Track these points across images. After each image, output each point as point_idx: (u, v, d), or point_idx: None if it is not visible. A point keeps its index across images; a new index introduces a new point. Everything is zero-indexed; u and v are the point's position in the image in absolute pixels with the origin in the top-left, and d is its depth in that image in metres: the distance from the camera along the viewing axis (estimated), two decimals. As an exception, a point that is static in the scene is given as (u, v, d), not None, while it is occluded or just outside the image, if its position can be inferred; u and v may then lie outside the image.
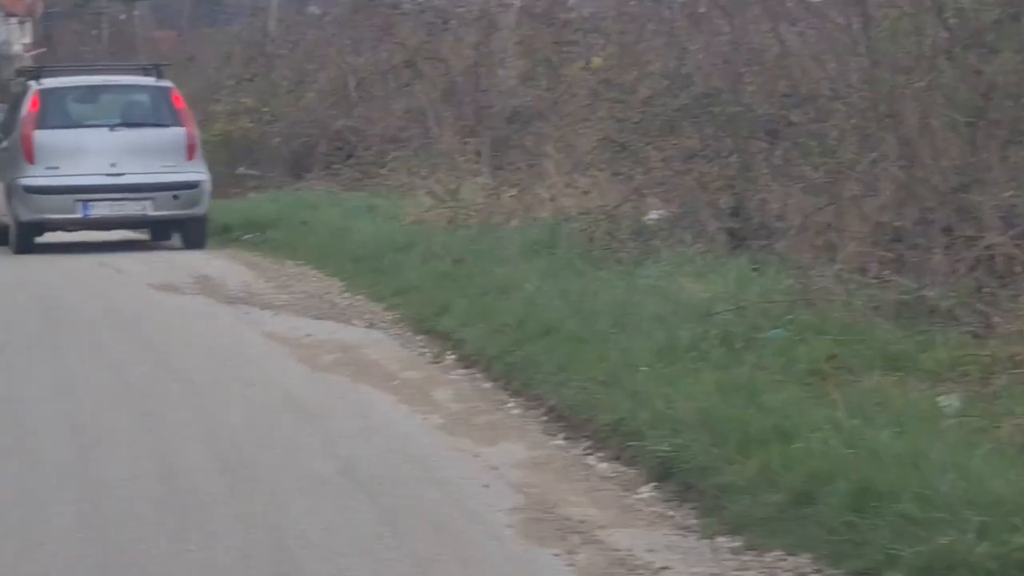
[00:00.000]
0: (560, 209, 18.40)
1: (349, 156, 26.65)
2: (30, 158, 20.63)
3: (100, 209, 21.09)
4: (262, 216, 23.15)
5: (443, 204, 20.83)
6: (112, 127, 21.34)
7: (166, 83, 22.24)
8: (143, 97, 22.19)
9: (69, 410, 11.39)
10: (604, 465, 9.45)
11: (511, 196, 19.73)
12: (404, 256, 17.75)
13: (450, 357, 13.36)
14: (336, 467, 9.52)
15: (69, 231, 22.11)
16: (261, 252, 21.02)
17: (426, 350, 13.90)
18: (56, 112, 21.31)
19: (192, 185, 21.44)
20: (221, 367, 13.11)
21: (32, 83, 21.94)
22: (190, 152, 21.55)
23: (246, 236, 22.35)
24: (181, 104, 21.83)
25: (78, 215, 21.26)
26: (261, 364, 13.28)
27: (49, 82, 21.99)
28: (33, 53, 71.63)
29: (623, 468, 9.28)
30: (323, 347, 14.04)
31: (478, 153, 23.48)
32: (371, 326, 15.28)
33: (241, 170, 33.14)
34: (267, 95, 33.87)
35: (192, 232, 21.71)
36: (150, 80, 22.20)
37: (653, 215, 17.51)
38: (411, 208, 22.03)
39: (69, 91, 22.09)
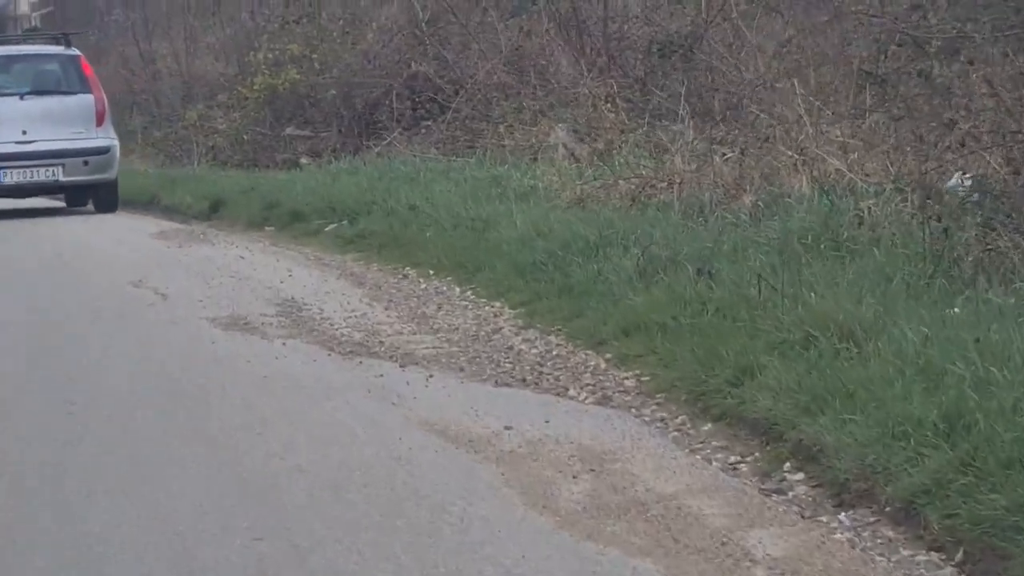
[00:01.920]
0: (824, 176, 11.65)
1: (444, 110, 19.70)
2: (-56, 128, 19.80)
3: (13, 176, 20.20)
4: (344, 196, 16.38)
5: (608, 174, 14.08)
6: (22, 96, 20.64)
7: (74, 51, 21.54)
8: (53, 66, 21.50)
9: None
10: None
11: (727, 158, 12.93)
12: (602, 261, 11.06)
13: (805, 486, 6.76)
14: None
15: (-16, 198, 20.38)
16: (359, 253, 14.28)
17: (746, 461, 7.28)
18: (-32, 83, 20.59)
19: (102, 151, 20.49)
20: (389, 543, 6.39)
21: (-54, 55, 21.21)
22: (99, 118, 20.79)
23: (329, 227, 15.57)
24: (90, 72, 21.30)
25: (-8, 182, 19.95)
26: (459, 528, 6.57)
27: (-40, 53, 21.25)
28: (40, 12, 65.02)
29: None
30: (547, 460, 7.40)
31: (627, 101, 16.67)
32: (605, 401, 8.62)
33: (290, 131, 26.38)
34: (315, 40, 27.08)
35: (105, 197, 20.76)
36: (59, 49, 21.56)
37: (955, 182, 10.89)
38: (553, 178, 15.28)
39: (-20, 62, 21.23)
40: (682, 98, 14.01)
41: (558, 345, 9.80)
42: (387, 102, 24.47)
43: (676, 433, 7.97)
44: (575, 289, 10.65)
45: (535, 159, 16.71)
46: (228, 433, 8.19)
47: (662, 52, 17.24)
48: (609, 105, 16.52)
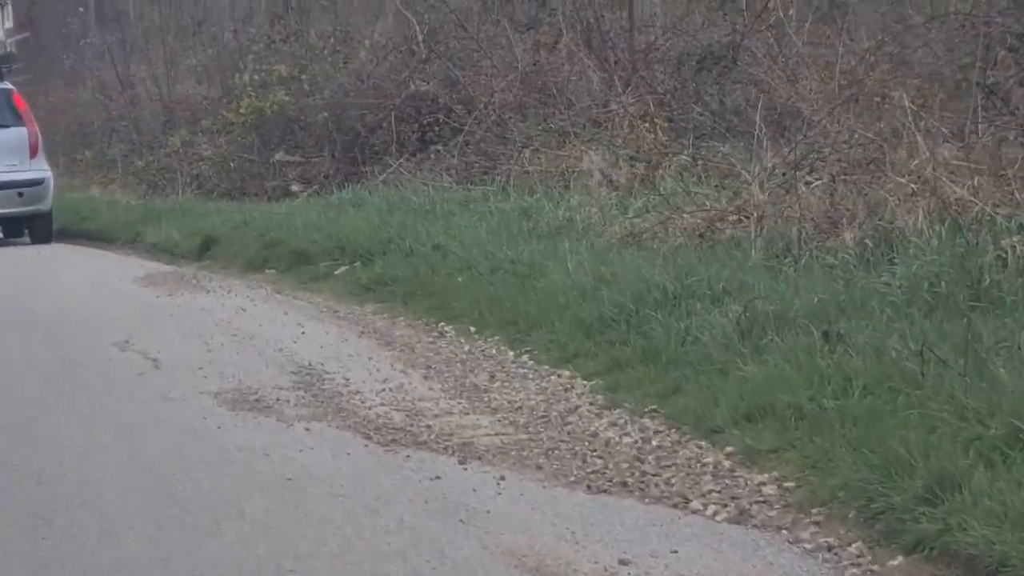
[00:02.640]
0: (945, 207, 9.51)
1: (454, 132, 17.49)
2: None
3: (-51, 208, 19.41)
4: (353, 233, 14.17)
5: (663, 204, 11.92)
6: (-43, 129, 19.71)
7: (7, 85, 21.05)
8: (-15, 100, 20.22)
9: None
10: None
11: (813, 186, 10.76)
12: (688, 317, 8.90)
13: None
14: None
15: (-78, 232, 19.73)
16: (380, 303, 12.06)
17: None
18: (-96, 115, 20.07)
19: (36, 182, 20.07)
20: None
21: None
22: (33, 151, 20.34)
23: (340, 270, 13.36)
24: (23, 105, 20.84)
25: (-71, 215, 19.46)
26: None
27: None
28: (15, 38, 62.73)
29: None
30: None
31: (667, 120, 14.51)
32: (743, 518, 6.44)
33: (279, 156, 24.17)
34: (304, 59, 24.88)
35: (40, 228, 20.23)
36: (-9, 83, 20.37)
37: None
38: (592, 209, 13.13)
39: (-84, 96, 20.62)
40: (759, 115, 11.77)
41: (657, 432, 7.61)
42: (385, 124, 22.31)
43: (854, 570, 5.79)
44: (662, 354, 8.48)
45: (566, 187, 14.53)
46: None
47: (701, 64, 15.06)
48: (647, 124, 14.35)
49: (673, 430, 7.55)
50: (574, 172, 14.48)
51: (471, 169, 16.46)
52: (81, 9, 49.31)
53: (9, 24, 67.23)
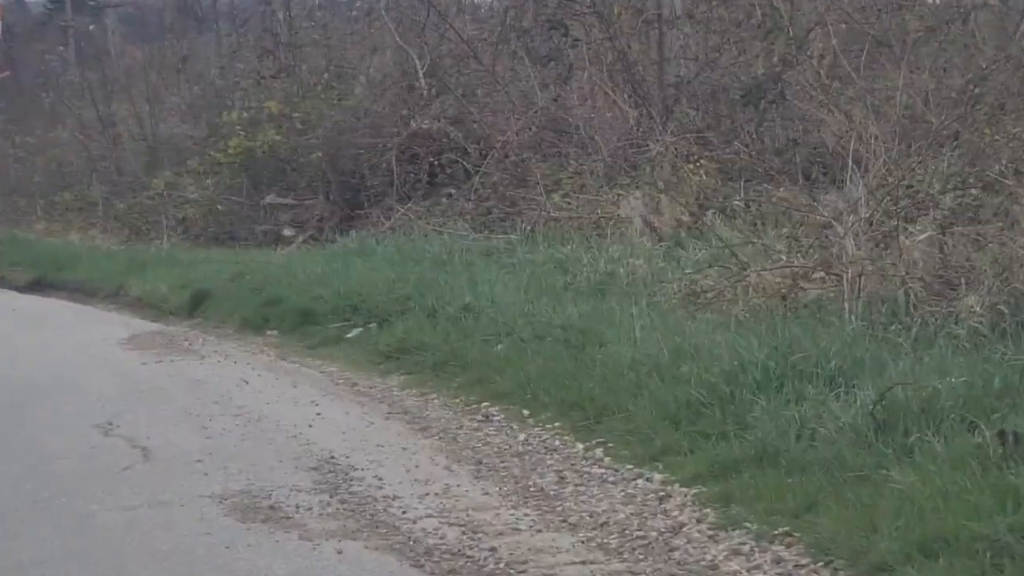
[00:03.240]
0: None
1: (470, 173, 15.70)
2: None
3: None
4: (364, 288, 12.36)
5: (727, 258, 10.14)
6: None
7: None
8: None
9: None
10: None
11: (919, 240, 8.99)
12: (800, 402, 7.10)
13: None
14: None
15: None
16: (406, 375, 10.20)
17: None
18: None
19: None
20: None
21: None
22: None
23: (353, 332, 11.52)
24: None
25: None
26: None
27: None
28: (-5, 77, 60.58)
29: None
30: None
31: (715, 160, 12.76)
32: None
33: (270, 199, 22.41)
34: (295, 96, 23.08)
35: None
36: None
37: None
38: (638, 262, 11.35)
39: None
40: (850, 159, 9.97)
41: (800, 567, 5.79)
42: (385, 165, 20.55)
43: None
44: (780, 455, 6.68)
45: (600, 235, 12.76)
46: None
47: (746, 99, 13.30)
48: (691, 165, 12.59)
49: (820, 564, 5.74)
50: (610, 219, 12.69)
51: (488, 214, 14.67)
52: (61, 48, 47.34)
53: (-12, 63, 65.13)
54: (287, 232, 21.85)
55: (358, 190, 21.01)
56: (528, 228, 13.37)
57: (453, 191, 15.63)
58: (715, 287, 9.99)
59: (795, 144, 13.29)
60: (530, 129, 15.03)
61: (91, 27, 46.32)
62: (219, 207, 22.64)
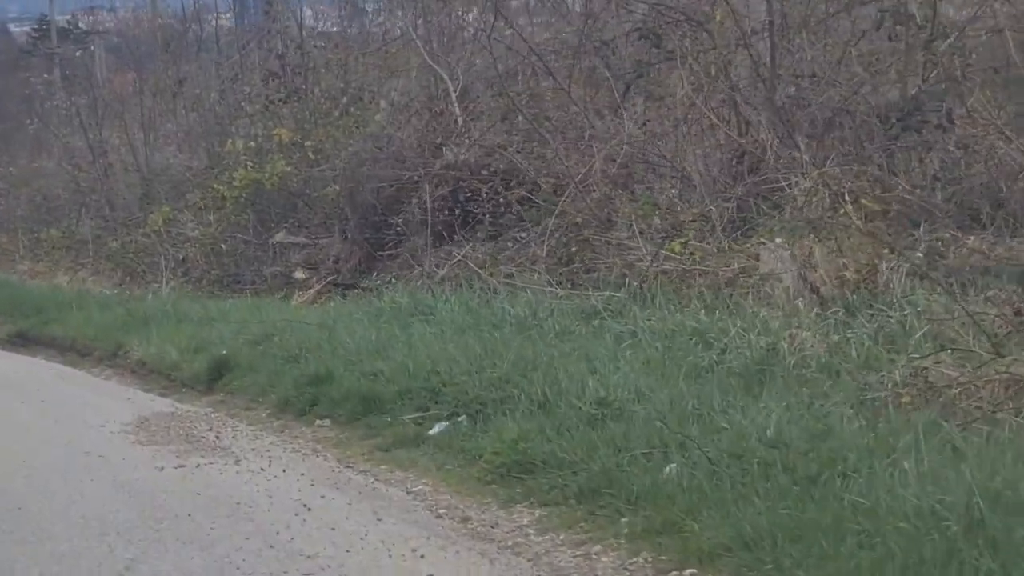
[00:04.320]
0: None
1: (544, 212, 12.56)
2: None
3: None
4: (439, 364, 9.19)
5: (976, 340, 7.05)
6: None
7: None
8: None
9: None
10: None
11: None
12: None
13: None
14: None
15: None
16: (539, 504, 6.93)
17: None
18: None
19: None
20: None
21: None
22: None
23: (437, 428, 8.35)
24: None
25: None
26: None
27: None
28: (-23, 105, 57.42)
29: None
30: None
31: (875, 202, 9.71)
32: None
33: (280, 237, 19.38)
34: (308, 123, 20.02)
35: None
36: None
37: None
38: (805, 333, 8.27)
39: None
40: None
41: None
42: (412, 199, 17.49)
43: None
44: None
45: (731, 294, 9.67)
46: None
47: (905, 124, 10.24)
48: (851, 206, 9.54)
49: None
50: (750, 275, 9.62)
51: (569, 264, 11.55)
52: (46, 75, 43.97)
53: (-29, 91, 62.21)
54: (299, 275, 18.81)
55: (381, 228, 17.99)
56: (635, 285, 10.24)
57: (523, 234, 12.48)
58: (959, 379, 6.90)
59: (959, 179, 10.24)
60: (614, 160, 11.90)
61: (78, 54, 42.87)
62: (223, 246, 19.67)
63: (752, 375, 8.18)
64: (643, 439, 6.98)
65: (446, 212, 16.19)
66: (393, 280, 15.34)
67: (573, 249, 11.50)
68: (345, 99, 19.49)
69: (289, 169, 19.46)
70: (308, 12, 23.26)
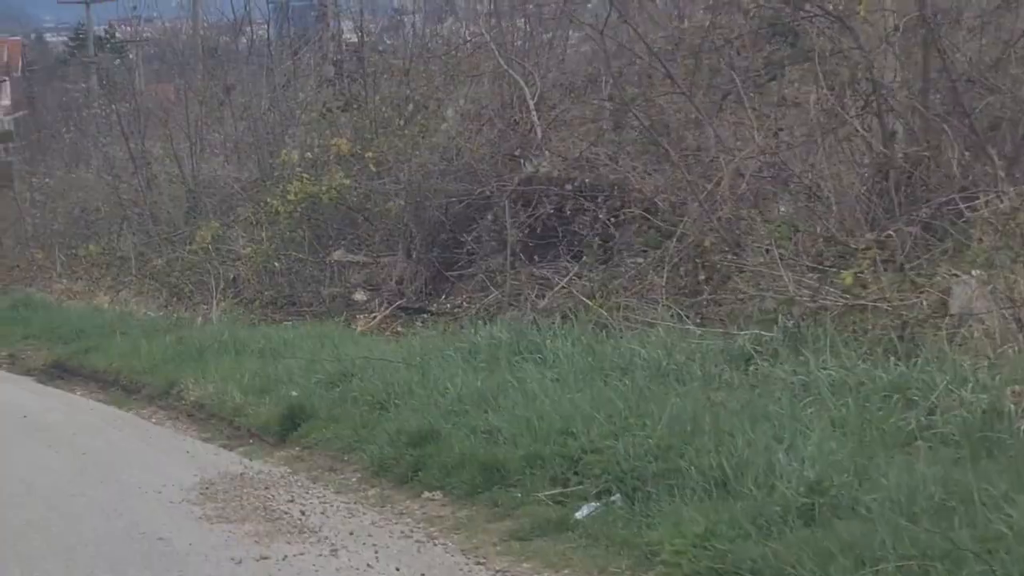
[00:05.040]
0: None
1: (663, 234, 10.70)
2: None
3: None
4: (561, 419, 7.37)
5: None
6: None
7: None
8: None
9: None
10: None
11: None
12: None
13: None
14: None
15: None
16: None
17: None
18: None
19: None
20: None
21: None
22: None
23: (584, 511, 6.53)
24: None
25: None
26: None
27: None
28: (13, 116, 56.23)
29: None
30: None
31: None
32: None
33: (338, 255, 17.66)
34: (368, 132, 18.29)
35: None
36: None
37: None
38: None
39: None
40: None
41: None
42: (486, 215, 15.80)
43: None
44: None
45: (912, 335, 7.83)
46: None
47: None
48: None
49: None
50: (941, 314, 7.78)
51: (697, 294, 9.72)
52: (83, 86, 42.31)
53: (7, 101, 60.93)
54: (359, 296, 17.11)
55: (450, 247, 16.30)
56: (787, 320, 8.41)
57: (640, 260, 10.63)
58: None
59: None
60: (742, 174, 10.08)
61: (116, 62, 41.10)
62: (276, 264, 17.90)
63: (973, 443, 6.37)
64: (889, 545, 5.16)
65: (527, 230, 14.55)
66: (465, 304, 13.61)
67: (701, 277, 9.67)
68: (411, 107, 17.69)
69: (347, 182, 17.73)
70: (359, 18, 21.41)
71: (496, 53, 16.55)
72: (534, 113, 15.98)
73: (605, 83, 14.51)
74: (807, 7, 10.47)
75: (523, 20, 17.48)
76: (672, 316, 9.49)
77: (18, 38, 69.94)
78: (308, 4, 27.36)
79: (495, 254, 15.36)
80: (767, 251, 9.61)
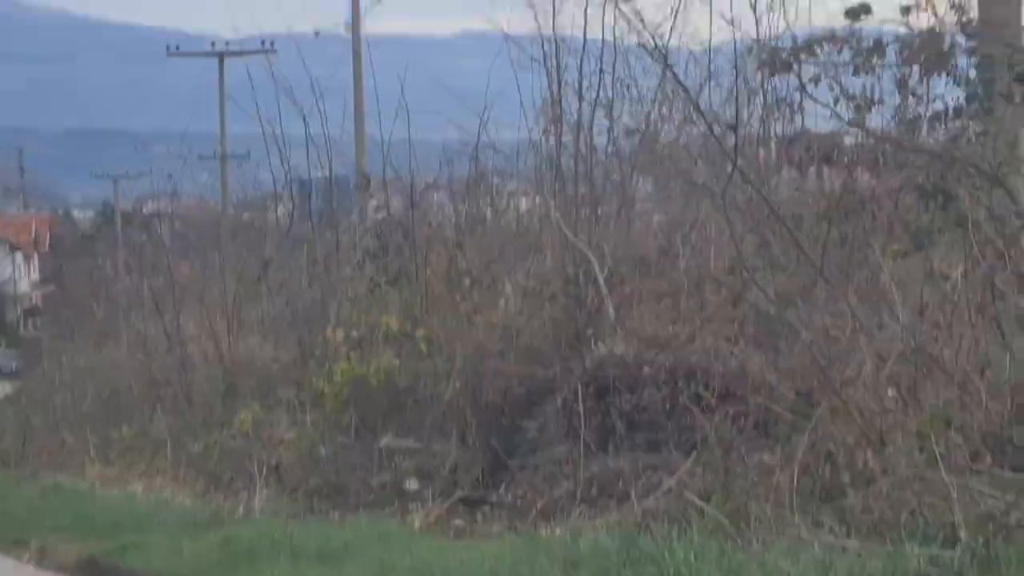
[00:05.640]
0: None
1: (792, 428, 9.32)
2: None
3: None
4: None
5: None
6: None
7: None
8: None
9: None
10: None
11: None
12: None
13: None
14: None
15: None
16: None
17: None
18: None
19: None
20: None
21: None
22: None
23: None
24: None
25: None
26: None
27: None
28: (42, 291, 55.48)
29: None
30: None
31: None
32: None
33: (387, 441, 16.34)
34: (419, 309, 17.16)
35: None
36: None
37: None
38: None
39: None
40: None
41: None
42: (553, 403, 14.54)
43: None
44: None
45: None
46: None
47: None
48: None
49: None
50: None
51: (834, 499, 8.35)
52: (108, 261, 41.31)
53: (36, 276, 60.39)
54: (411, 485, 15.74)
55: (509, 432, 15.05)
56: (973, 539, 7.04)
57: (766, 456, 9.24)
58: None
59: None
60: (884, 359, 8.77)
61: (144, 238, 40.12)
62: (321, 450, 16.62)
63: None
64: None
65: (600, 417, 13.37)
66: (529, 495, 12.47)
67: (845, 480, 8.30)
68: (468, 280, 16.55)
69: (397, 363, 16.58)
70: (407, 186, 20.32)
71: (560, 222, 15.48)
72: (604, 288, 14.87)
73: (682, 254, 13.38)
74: (960, 165, 9.17)
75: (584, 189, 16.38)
76: (810, 523, 8.12)
77: (46, 213, 69.65)
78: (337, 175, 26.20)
79: (561, 442, 14.14)
80: (920, 448, 8.29)
